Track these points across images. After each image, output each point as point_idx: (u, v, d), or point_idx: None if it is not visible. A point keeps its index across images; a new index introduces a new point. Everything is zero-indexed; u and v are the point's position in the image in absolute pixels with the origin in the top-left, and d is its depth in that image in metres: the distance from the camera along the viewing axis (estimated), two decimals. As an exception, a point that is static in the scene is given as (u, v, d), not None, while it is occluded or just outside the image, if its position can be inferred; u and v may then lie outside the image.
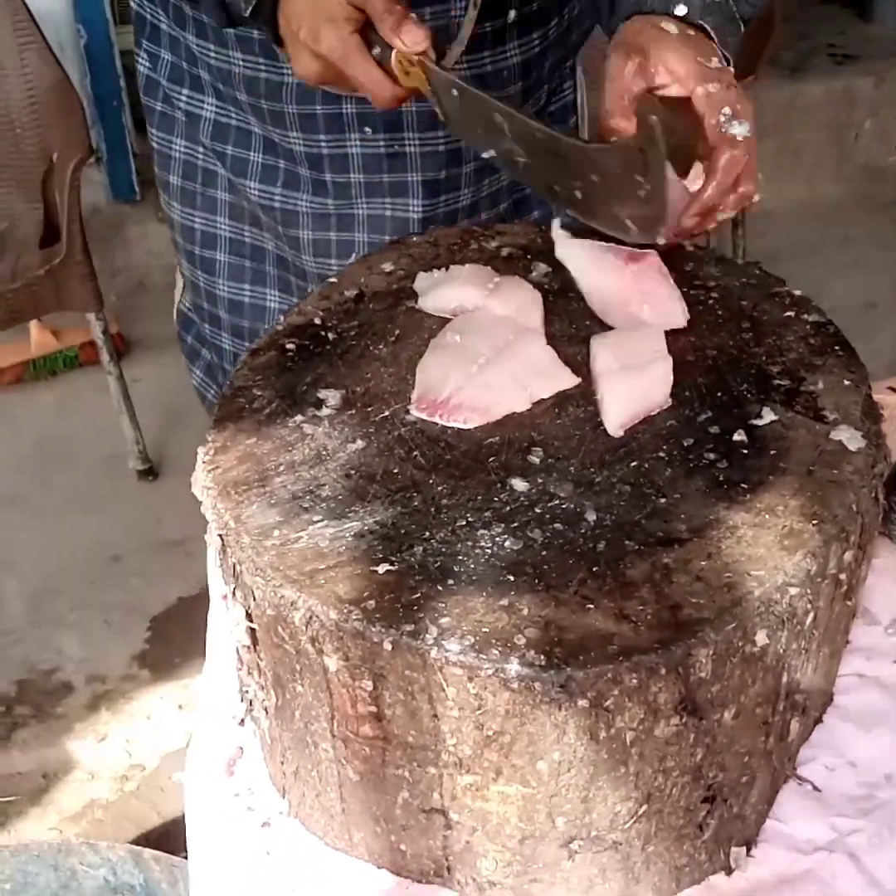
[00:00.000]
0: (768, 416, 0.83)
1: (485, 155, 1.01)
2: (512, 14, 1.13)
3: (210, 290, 1.32)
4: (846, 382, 0.86)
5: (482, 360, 0.88)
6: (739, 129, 0.92)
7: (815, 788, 0.83)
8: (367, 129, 1.16)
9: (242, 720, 0.92)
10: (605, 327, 0.93)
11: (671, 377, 0.86)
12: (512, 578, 0.71)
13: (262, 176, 1.22)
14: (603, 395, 0.85)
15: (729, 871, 0.80)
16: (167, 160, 1.29)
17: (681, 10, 0.95)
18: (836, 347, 0.90)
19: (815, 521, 0.74)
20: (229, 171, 1.24)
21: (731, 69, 0.96)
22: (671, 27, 0.95)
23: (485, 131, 0.97)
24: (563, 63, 1.27)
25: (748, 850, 0.80)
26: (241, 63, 1.15)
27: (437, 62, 0.95)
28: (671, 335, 0.91)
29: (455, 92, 0.95)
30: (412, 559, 0.73)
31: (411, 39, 0.91)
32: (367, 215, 1.21)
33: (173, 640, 2.24)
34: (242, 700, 0.90)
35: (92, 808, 1.96)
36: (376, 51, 0.94)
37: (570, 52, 1.27)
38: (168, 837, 1.78)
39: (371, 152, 1.17)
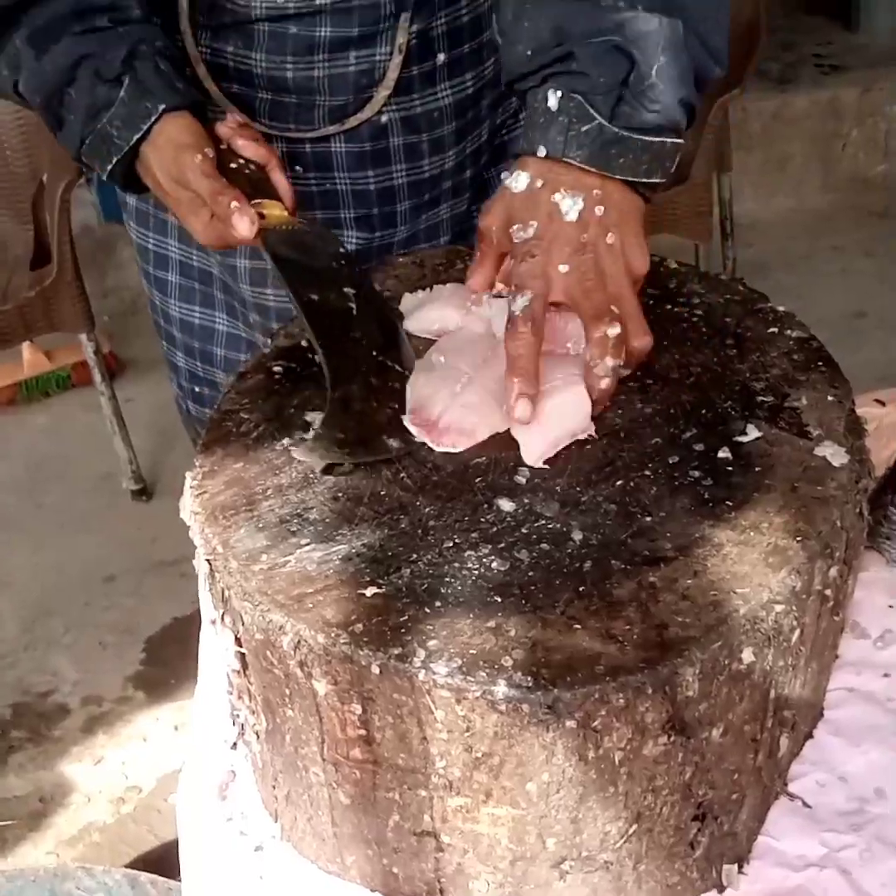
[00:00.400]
0: (753, 432, 0.83)
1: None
2: (441, 57, 1.13)
3: (164, 309, 1.34)
4: (830, 398, 0.87)
5: (464, 379, 0.88)
6: (516, 305, 0.85)
7: (806, 805, 0.84)
8: (297, 167, 1.17)
9: (234, 744, 0.92)
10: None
11: (588, 402, 0.85)
12: (499, 600, 0.71)
13: None
14: (515, 428, 0.84)
15: (721, 889, 0.80)
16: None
17: (541, 152, 0.88)
18: (820, 363, 0.91)
19: (799, 538, 0.74)
20: None
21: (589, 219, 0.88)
22: (519, 182, 0.90)
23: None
24: (509, 98, 1.24)
25: (740, 867, 0.80)
26: None
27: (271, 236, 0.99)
28: (656, 353, 0.91)
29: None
30: (399, 582, 0.73)
31: (240, 232, 0.97)
32: None
33: (168, 660, 2.23)
34: (234, 724, 0.90)
35: (89, 831, 1.95)
36: None
37: None
38: (166, 859, 1.77)
39: (303, 190, 1.16)
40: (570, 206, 0.87)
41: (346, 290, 0.96)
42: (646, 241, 0.91)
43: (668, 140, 0.89)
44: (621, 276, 0.88)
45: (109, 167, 1.01)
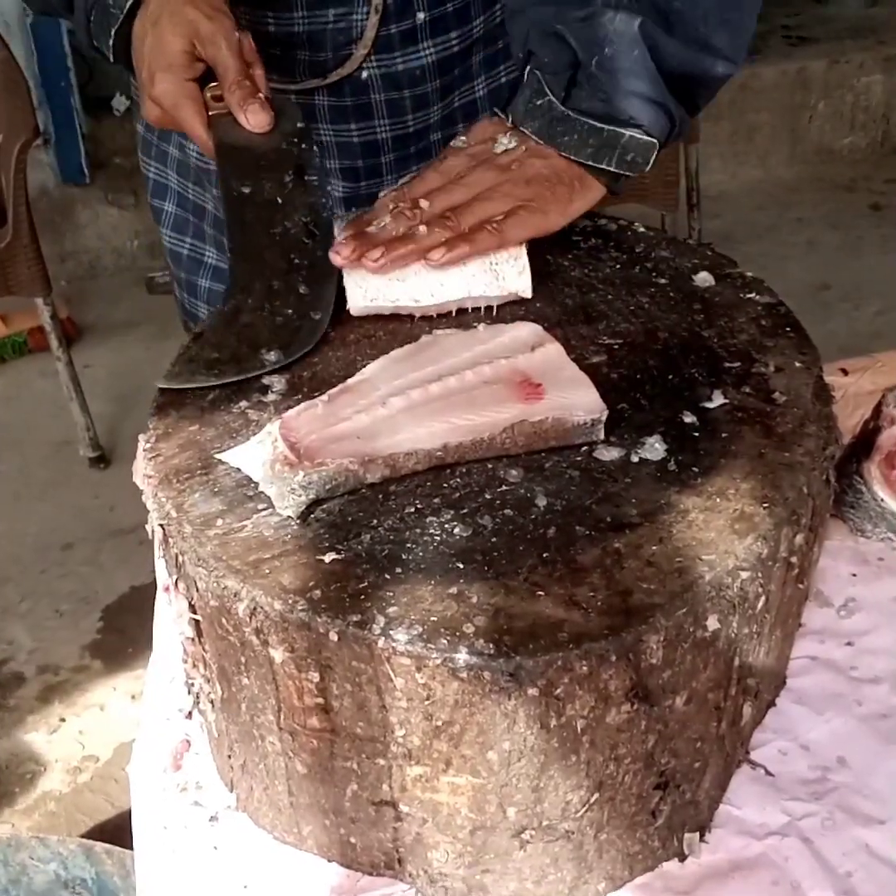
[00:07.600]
0: (719, 398, 0.82)
1: None
2: (421, 16, 1.13)
3: (161, 238, 1.35)
4: (797, 364, 0.86)
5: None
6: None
7: (768, 773, 0.83)
8: None
9: (189, 713, 0.90)
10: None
11: None
12: (461, 566, 0.70)
13: None
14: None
15: (682, 857, 0.79)
16: (139, 109, 1.28)
17: (508, 118, 0.96)
18: (788, 329, 0.90)
19: (765, 505, 0.73)
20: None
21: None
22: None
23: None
24: (504, 52, 1.24)
25: (701, 835, 0.80)
26: None
27: None
28: (623, 318, 0.90)
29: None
30: (359, 547, 0.71)
31: (255, 121, 0.94)
32: None
33: (126, 629, 2.21)
34: (189, 692, 0.88)
35: (45, 800, 1.93)
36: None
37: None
38: (123, 829, 1.73)
39: None
40: (505, 144, 0.95)
41: (286, 177, 0.94)
42: (567, 211, 0.95)
43: (626, 132, 0.93)
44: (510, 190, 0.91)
45: (110, 43, 0.99)
